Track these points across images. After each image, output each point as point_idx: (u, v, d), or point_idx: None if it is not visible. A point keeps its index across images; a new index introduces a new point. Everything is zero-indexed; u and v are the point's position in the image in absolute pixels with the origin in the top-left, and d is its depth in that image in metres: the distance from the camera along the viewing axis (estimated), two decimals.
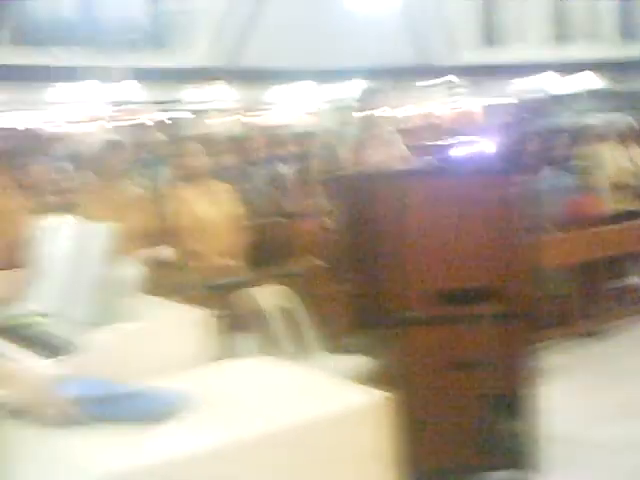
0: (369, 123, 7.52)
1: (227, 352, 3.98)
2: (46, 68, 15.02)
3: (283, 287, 4.87)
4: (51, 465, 2.21)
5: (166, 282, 4.99)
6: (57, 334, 3.19)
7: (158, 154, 9.82)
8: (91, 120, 15.31)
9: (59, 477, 2.15)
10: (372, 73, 15.23)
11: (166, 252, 5.26)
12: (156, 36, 16.51)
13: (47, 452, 2.24)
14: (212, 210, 5.65)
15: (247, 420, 2.35)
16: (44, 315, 3.33)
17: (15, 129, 11.75)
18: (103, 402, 2.43)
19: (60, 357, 2.87)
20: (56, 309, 3.29)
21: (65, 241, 3.41)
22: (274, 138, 10.30)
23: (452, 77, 19.19)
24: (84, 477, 2.06)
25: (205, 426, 2.30)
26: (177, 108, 15.77)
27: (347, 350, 4.55)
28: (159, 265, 4.99)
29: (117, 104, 14.71)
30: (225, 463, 2.19)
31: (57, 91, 15.66)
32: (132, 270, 3.38)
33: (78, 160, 6.19)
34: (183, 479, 2.13)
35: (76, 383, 2.56)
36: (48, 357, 2.96)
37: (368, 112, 7.56)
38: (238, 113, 17.20)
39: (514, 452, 4.17)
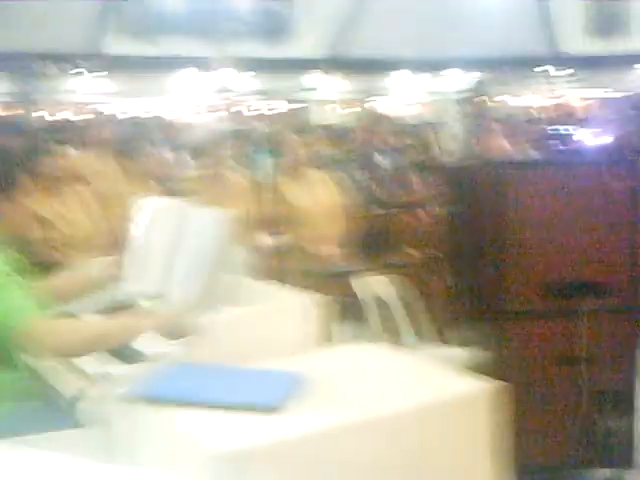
0: (481, 113, 7.45)
1: (336, 338, 4.02)
2: (155, 58, 15.38)
3: (393, 277, 4.88)
4: (170, 445, 2.26)
5: (274, 269, 5.07)
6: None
7: (265, 144, 9.92)
8: (201, 110, 15.62)
9: (177, 456, 2.20)
10: (489, 62, 15.03)
11: (273, 240, 5.32)
12: (265, 26, 16.67)
13: (167, 432, 2.28)
14: (316, 199, 5.69)
15: (359, 403, 2.37)
16: (153, 298, 3.42)
17: (129, 117, 12.06)
18: (215, 386, 2.48)
19: (174, 340, 2.94)
20: (167, 292, 3.37)
21: (176, 225, 3.49)
22: (381, 128, 10.27)
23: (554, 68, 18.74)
24: (202, 457, 2.10)
25: (318, 409, 2.32)
26: (285, 98, 15.91)
27: (456, 341, 4.52)
28: (267, 252, 5.07)
29: (226, 94, 14.92)
30: (337, 445, 2.21)
31: (165, 81, 16.01)
32: (243, 256, 3.43)
33: (190, 148, 6.32)
34: (297, 460, 2.15)
35: (184, 369, 2.62)
36: (161, 339, 3.04)
37: (480, 102, 7.49)
38: (345, 103, 17.24)
39: (616, 449, 4.09)
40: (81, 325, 2.98)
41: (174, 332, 2.91)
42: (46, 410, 2.83)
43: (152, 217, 3.58)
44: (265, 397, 2.34)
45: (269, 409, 2.27)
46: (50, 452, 1.43)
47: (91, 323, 3.02)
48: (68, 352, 2.85)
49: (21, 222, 3.12)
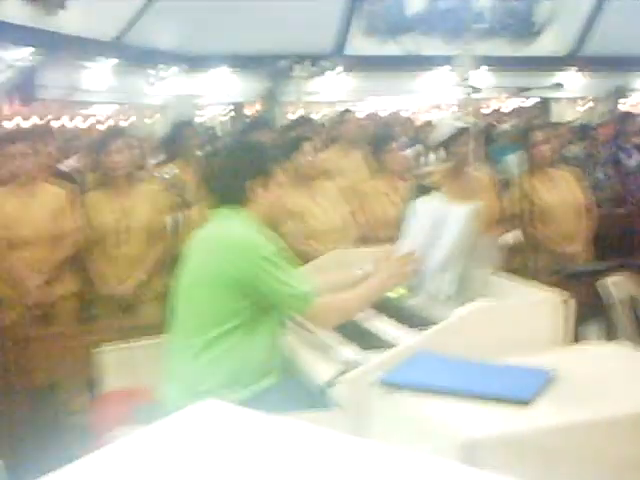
0: None
1: (580, 337, 3.97)
2: (397, 57, 15.56)
3: (636, 277, 4.73)
4: (419, 430, 2.34)
5: (517, 265, 5.06)
6: (420, 307, 3.38)
7: (508, 141, 9.85)
8: (443, 107, 15.66)
9: (424, 441, 2.27)
10: None
11: (515, 236, 5.30)
12: (509, 24, 16.47)
13: (416, 417, 2.37)
14: (561, 197, 5.60)
15: (604, 401, 2.36)
16: (407, 288, 3.54)
17: (378, 115, 12.31)
18: (463, 376, 2.54)
19: (422, 330, 3.04)
20: (418, 284, 3.48)
21: (430, 219, 3.59)
22: (627, 127, 9.91)
23: None
24: (449, 443, 2.16)
25: (566, 404, 2.33)
26: (527, 95, 15.62)
27: None
28: (511, 248, 5.07)
29: (468, 92, 14.86)
30: (583, 440, 2.22)
31: (407, 79, 16.15)
32: (491, 251, 3.48)
33: (433, 145, 6.39)
34: (545, 451, 2.18)
35: (433, 357, 2.70)
36: (410, 329, 3.15)
37: None
38: (589, 101, 16.73)
39: None
40: (346, 298, 3.21)
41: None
42: (303, 389, 3.02)
43: (410, 214, 3.73)
44: (516, 390, 2.37)
45: (521, 401, 2.31)
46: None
47: (350, 295, 3.24)
48: (337, 324, 3.19)
49: (274, 214, 3.31)
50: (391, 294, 3.43)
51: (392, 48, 15.85)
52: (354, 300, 3.23)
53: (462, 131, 5.60)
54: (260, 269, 2.96)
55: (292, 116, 14.47)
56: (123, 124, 13.27)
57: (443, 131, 5.59)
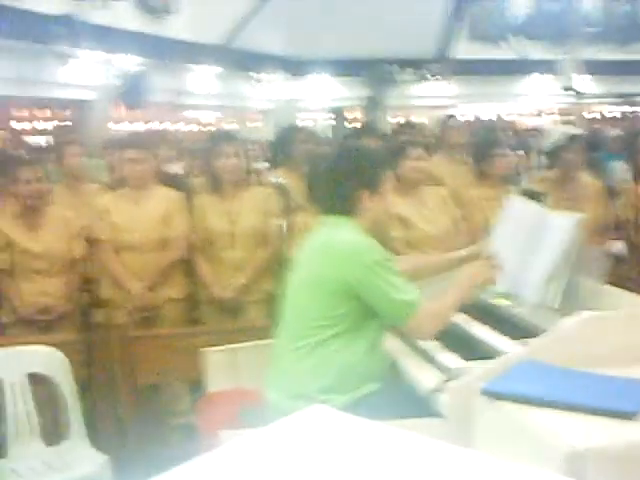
0: None
1: None
2: (502, 62, 15.41)
3: None
4: (521, 440, 2.32)
5: (621, 276, 4.96)
6: (523, 317, 3.35)
7: (616, 148, 9.67)
8: (548, 113, 15.49)
9: (527, 452, 2.26)
10: None
11: (620, 246, 5.21)
12: (614, 28, 16.11)
13: (521, 427, 2.35)
14: None
15: None
16: (508, 297, 3.51)
17: (479, 120, 12.23)
18: (568, 387, 2.51)
19: (526, 339, 3.02)
20: (521, 292, 3.45)
21: (532, 227, 3.55)
22: None
23: None
24: (552, 455, 2.14)
25: None
26: (632, 101, 15.30)
27: None
28: (617, 258, 4.98)
29: (573, 97, 14.66)
30: None
31: (512, 84, 15.99)
32: (597, 261, 3.42)
33: (539, 151, 6.30)
34: None
35: (538, 368, 2.68)
36: (514, 338, 3.13)
37: None
38: None
39: None
40: (442, 304, 3.18)
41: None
42: (407, 396, 3.03)
43: (509, 218, 3.70)
44: (622, 402, 2.33)
45: (627, 414, 2.27)
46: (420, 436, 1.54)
47: (445, 300, 3.19)
48: (435, 332, 3.16)
49: (380, 222, 3.32)
50: (495, 303, 3.41)
51: (495, 52, 15.69)
52: (449, 304, 3.18)
53: (574, 138, 5.48)
54: (368, 274, 2.98)
55: (393, 121, 14.48)
56: (227, 128, 13.47)
57: (555, 137, 5.48)
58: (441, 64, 15.49)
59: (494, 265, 3.33)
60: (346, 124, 14.47)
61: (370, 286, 2.99)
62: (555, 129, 5.78)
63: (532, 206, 3.67)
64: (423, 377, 3.03)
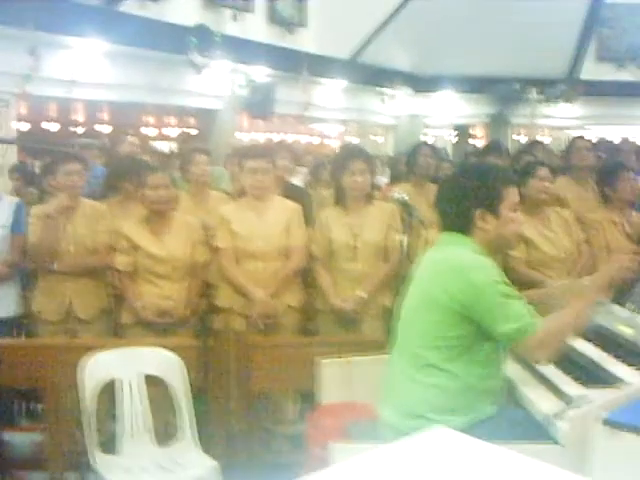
0: None
1: None
2: (628, 84, 15.05)
3: None
4: (637, 471, 2.26)
5: None
6: None
7: None
8: None
9: None
10: None
11: None
12: None
13: (634, 459, 2.28)
14: None
15: None
16: (633, 325, 3.40)
17: (605, 142, 11.94)
18: None
19: None
20: None
21: None
22: None
23: None
24: None
25: None
26: None
27: None
28: None
29: None
30: None
31: (638, 106, 15.57)
32: None
33: None
34: None
35: None
36: (637, 368, 3.02)
37: None
38: None
39: None
40: (562, 323, 3.06)
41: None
42: (524, 421, 2.96)
43: None
44: None
45: None
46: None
47: (559, 322, 3.06)
48: (551, 355, 3.06)
49: (503, 239, 3.25)
50: (618, 330, 3.30)
51: (623, 74, 15.34)
52: (564, 323, 3.05)
53: None
54: (477, 294, 2.93)
55: (519, 139, 14.29)
56: (351, 142, 13.57)
57: None
58: (568, 84, 15.19)
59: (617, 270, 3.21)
60: (469, 141, 14.37)
61: (480, 307, 2.94)
62: None
63: None
64: (542, 402, 2.96)
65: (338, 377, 3.82)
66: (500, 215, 3.12)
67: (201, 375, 4.31)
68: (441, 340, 3.00)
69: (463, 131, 16.89)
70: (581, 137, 6.85)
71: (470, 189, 3.14)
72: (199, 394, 4.29)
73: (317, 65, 12.05)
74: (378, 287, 4.80)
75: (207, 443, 4.12)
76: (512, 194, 3.18)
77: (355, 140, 15.07)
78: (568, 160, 6.54)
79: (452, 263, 3.03)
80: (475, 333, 2.99)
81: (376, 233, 4.85)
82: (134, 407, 4.06)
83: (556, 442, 2.71)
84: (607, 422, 2.41)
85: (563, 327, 3.05)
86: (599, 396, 2.75)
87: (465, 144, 16.10)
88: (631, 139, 14.29)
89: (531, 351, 3.02)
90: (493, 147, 6.92)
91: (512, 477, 1.45)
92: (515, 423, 2.96)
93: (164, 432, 4.19)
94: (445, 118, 16.12)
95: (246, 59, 10.76)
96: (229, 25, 10.43)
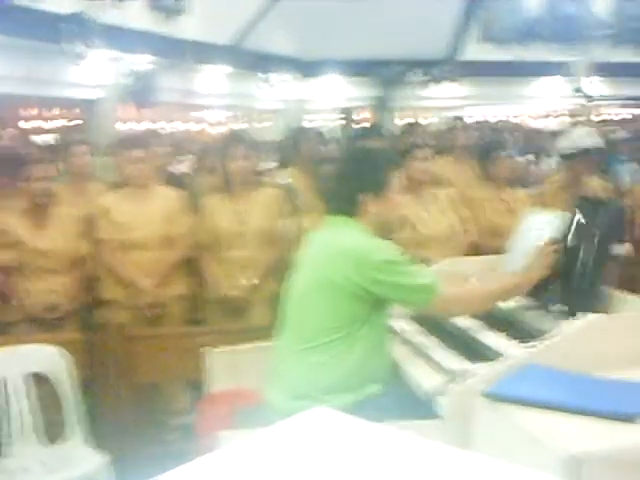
0: None
1: None
2: (510, 64, 15.39)
3: None
4: (521, 443, 2.31)
5: (628, 277, 4.93)
6: (529, 320, 3.32)
7: (621, 150, 9.63)
8: (555, 115, 15.45)
9: (528, 455, 2.24)
10: None
11: (626, 248, 5.17)
12: (622, 32, 16.08)
13: (519, 431, 2.33)
14: None
15: None
16: (517, 300, 3.49)
17: (488, 122, 12.20)
18: (569, 391, 2.49)
19: (529, 343, 2.99)
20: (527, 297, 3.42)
21: (536, 230, 3.54)
22: None
23: None
24: (552, 458, 2.13)
25: None
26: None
27: None
28: (621, 261, 4.94)
29: (581, 100, 14.65)
30: None
31: (519, 87, 15.97)
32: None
33: (545, 154, 6.28)
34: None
35: (541, 371, 2.66)
36: (520, 342, 3.10)
37: None
38: None
39: None
40: (474, 291, 3.27)
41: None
42: (409, 399, 3.01)
43: (522, 224, 3.71)
44: (624, 406, 2.32)
45: (628, 418, 2.25)
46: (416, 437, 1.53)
47: (479, 289, 3.30)
48: (463, 315, 3.29)
49: (386, 223, 3.30)
50: (501, 305, 3.39)
51: (506, 54, 15.67)
52: (482, 295, 3.24)
53: (595, 149, 5.41)
54: (381, 272, 2.98)
55: (401, 122, 14.47)
56: (237, 128, 13.48)
57: (575, 144, 5.42)
58: (451, 66, 15.45)
59: (549, 263, 3.29)
60: (354, 124, 14.46)
61: (385, 284, 2.99)
62: (572, 132, 5.70)
63: (545, 212, 3.67)
64: (425, 379, 3.01)
65: (225, 365, 3.81)
66: (386, 198, 3.17)
67: (88, 370, 4.24)
68: (330, 321, 3.02)
69: (348, 114, 16.99)
70: (461, 117, 6.99)
71: (356, 173, 3.18)
72: (88, 389, 4.22)
73: (200, 52, 11.93)
74: (266, 273, 4.80)
75: (98, 438, 4.07)
76: (396, 177, 3.23)
77: (241, 126, 14.99)
78: (450, 140, 6.67)
79: (347, 247, 3.06)
80: (366, 313, 3.03)
81: (262, 219, 4.85)
82: (21, 407, 3.96)
83: (439, 418, 2.76)
84: (486, 395, 2.46)
85: (484, 294, 3.23)
86: (482, 369, 2.81)
87: (351, 127, 16.21)
88: (513, 119, 14.67)
89: (443, 309, 3.15)
90: (373, 129, 6.99)
91: (390, 454, 1.46)
92: (401, 401, 3.00)
93: (55, 431, 4.11)
94: (331, 102, 16.18)
95: (127, 47, 10.57)
96: (108, 13, 10.21)
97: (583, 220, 3.31)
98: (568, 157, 5.39)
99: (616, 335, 2.91)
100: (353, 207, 3.15)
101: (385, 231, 3.32)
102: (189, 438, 4.18)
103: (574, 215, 3.35)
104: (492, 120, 13.33)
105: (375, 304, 3.05)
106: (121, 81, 10.80)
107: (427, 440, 1.49)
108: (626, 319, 3.08)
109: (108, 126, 10.94)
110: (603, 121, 15.25)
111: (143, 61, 10.89)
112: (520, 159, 8.09)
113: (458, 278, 3.61)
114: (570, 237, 3.31)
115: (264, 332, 3.75)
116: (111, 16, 10.17)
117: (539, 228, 3.52)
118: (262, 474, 1.39)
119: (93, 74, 10.48)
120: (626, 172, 8.26)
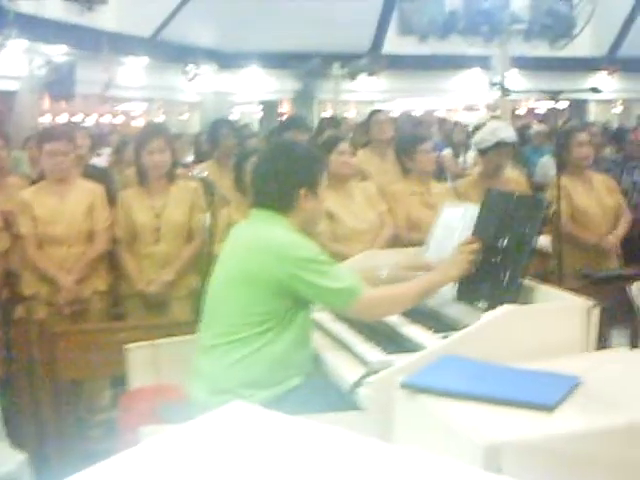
0: None
1: (607, 343, 3.95)
2: (430, 57, 15.57)
3: None
4: (441, 433, 2.34)
5: (542, 270, 5.04)
6: (446, 311, 3.38)
7: (543, 143, 9.83)
8: (477, 108, 15.68)
9: (447, 445, 2.27)
10: None
11: (544, 240, 5.27)
12: (545, 26, 16.42)
13: (439, 420, 2.37)
14: (595, 200, 5.58)
15: (631, 407, 2.35)
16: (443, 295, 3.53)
17: (410, 115, 12.30)
18: (488, 381, 2.54)
19: (447, 334, 3.05)
20: (445, 289, 3.48)
21: (453, 223, 3.60)
22: None
23: None
24: (471, 448, 2.16)
25: (590, 410, 2.32)
26: (563, 98, 15.58)
27: None
28: (540, 253, 5.04)
29: (500, 93, 14.85)
30: (608, 447, 2.21)
31: (442, 80, 16.17)
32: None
33: (466, 146, 6.36)
34: (568, 458, 2.18)
35: (458, 362, 2.70)
36: (437, 332, 3.15)
37: None
38: (623, 103, 16.63)
39: None
40: (397, 292, 3.21)
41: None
42: (328, 390, 3.03)
43: (439, 217, 3.76)
44: (541, 396, 2.36)
45: (545, 407, 2.30)
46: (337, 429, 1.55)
47: (402, 288, 3.24)
48: (384, 317, 3.28)
49: (316, 218, 3.31)
50: (428, 301, 3.43)
51: (425, 48, 15.85)
52: (403, 295, 3.20)
53: (503, 144, 5.48)
54: (301, 269, 2.97)
55: (322, 115, 14.53)
56: (156, 121, 13.37)
57: (489, 137, 5.49)
58: (371, 59, 15.56)
59: (470, 260, 3.33)
60: (276, 117, 14.47)
61: (304, 282, 2.98)
62: (486, 126, 5.78)
63: (462, 205, 3.73)
64: (345, 371, 3.03)
65: (146, 361, 3.78)
66: (318, 195, 3.18)
67: (6, 367, 4.16)
68: (251, 316, 3.01)
69: (270, 107, 16.98)
70: (379, 110, 7.01)
71: (293, 169, 3.16)
72: (6, 387, 4.15)
73: (118, 43, 11.80)
74: (184, 268, 4.78)
75: (17, 437, 4.00)
76: (324, 175, 3.25)
77: (160, 118, 14.86)
78: (369, 133, 6.70)
79: (270, 242, 3.05)
80: (288, 307, 3.03)
81: (179, 213, 4.82)
82: None
83: (360, 410, 2.79)
84: (404, 385, 2.48)
85: (405, 293, 3.19)
86: (398, 361, 2.84)
87: (272, 120, 16.21)
88: (433, 112, 14.82)
89: (363, 312, 3.13)
90: (293, 122, 6.96)
91: (307, 448, 1.47)
92: (322, 393, 3.01)
93: None
94: (251, 94, 16.16)
95: (43, 38, 10.39)
96: (23, 2, 10.02)
97: (495, 213, 3.38)
98: (484, 150, 5.47)
99: (531, 326, 2.97)
100: (288, 203, 3.13)
101: (311, 227, 3.32)
102: (112, 435, 4.15)
103: (486, 208, 3.43)
104: (413, 114, 13.45)
105: (297, 299, 3.04)
106: (37, 72, 10.60)
107: (345, 432, 1.50)
108: (540, 310, 3.14)
109: (26, 118, 10.74)
110: (525, 114, 15.54)
111: (60, 52, 10.72)
112: (440, 153, 8.19)
113: (371, 271, 3.62)
114: (483, 230, 3.37)
115: (186, 327, 3.74)
116: (27, 6, 9.99)
117: (456, 221, 3.59)
118: (177, 470, 1.40)
119: (9, 65, 10.27)
120: (544, 165, 8.44)
